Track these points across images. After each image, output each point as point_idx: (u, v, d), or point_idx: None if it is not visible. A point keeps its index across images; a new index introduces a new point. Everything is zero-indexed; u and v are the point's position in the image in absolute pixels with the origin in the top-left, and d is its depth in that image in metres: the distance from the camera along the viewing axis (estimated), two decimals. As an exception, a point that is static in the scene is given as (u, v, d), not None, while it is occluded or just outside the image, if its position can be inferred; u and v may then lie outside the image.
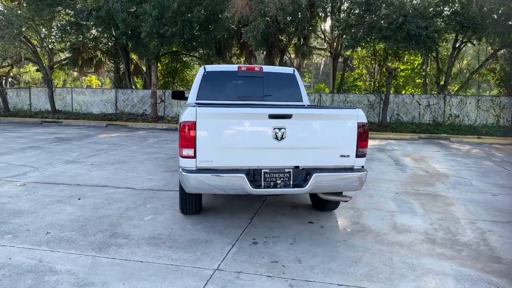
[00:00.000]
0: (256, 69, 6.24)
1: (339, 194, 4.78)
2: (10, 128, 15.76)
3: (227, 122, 4.17)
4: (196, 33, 16.48)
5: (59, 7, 18.81)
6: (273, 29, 17.43)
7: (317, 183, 4.23)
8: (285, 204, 5.71)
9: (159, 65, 21.95)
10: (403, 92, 22.55)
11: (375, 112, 18.96)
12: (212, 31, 16.86)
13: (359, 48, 19.49)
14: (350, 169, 4.39)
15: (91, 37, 21.05)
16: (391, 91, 18.42)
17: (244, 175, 4.07)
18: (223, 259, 3.83)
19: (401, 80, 23.87)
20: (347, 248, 4.19)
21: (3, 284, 3.26)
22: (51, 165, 8.05)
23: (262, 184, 4.24)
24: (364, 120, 4.38)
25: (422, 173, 8.17)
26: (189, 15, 15.87)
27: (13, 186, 6.37)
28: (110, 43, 22.51)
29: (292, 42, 21.34)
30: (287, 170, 4.28)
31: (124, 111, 21.51)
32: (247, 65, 6.78)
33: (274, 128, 4.12)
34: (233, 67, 6.28)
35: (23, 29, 18.53)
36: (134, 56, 22.99)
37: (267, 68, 6.31)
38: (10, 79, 27.65)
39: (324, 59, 25.73)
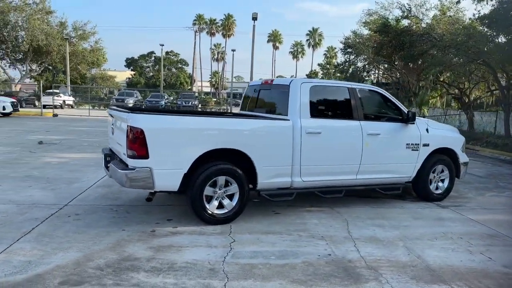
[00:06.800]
0: (269, 82, 6.36)
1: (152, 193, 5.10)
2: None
3: (109, 119, 5.81)
4: None
5: None
6: None
7: (111, 171, 4.99)
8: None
9: None
10: None
11: None
12: None
13: None
14: (127, 166, 4.66)
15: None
16: None
17: (103, 155, 5.57)
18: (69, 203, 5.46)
19: None
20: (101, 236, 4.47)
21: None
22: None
23: None
24: (138, 126, 4.48)
25: None
26: None
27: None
28: None
29: None
30: (119, 158, 5.19)
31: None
32: (267, 79, 6.68)
33: (112, 124, 5.45)
34: (259, 81, 6.73)
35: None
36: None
37: (276, 81, 6.33)
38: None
39: None
